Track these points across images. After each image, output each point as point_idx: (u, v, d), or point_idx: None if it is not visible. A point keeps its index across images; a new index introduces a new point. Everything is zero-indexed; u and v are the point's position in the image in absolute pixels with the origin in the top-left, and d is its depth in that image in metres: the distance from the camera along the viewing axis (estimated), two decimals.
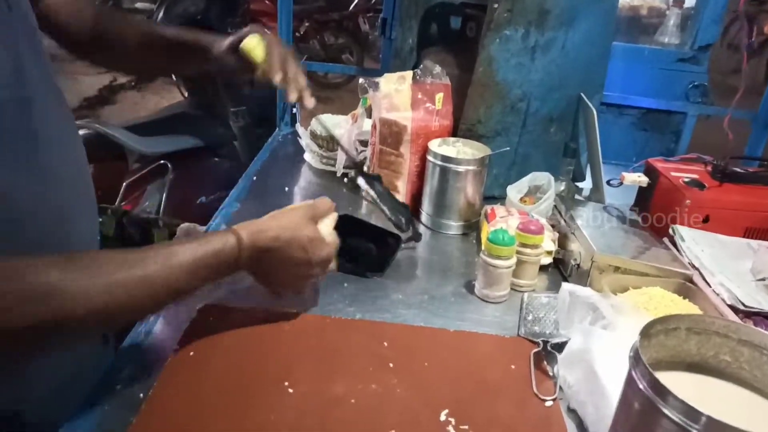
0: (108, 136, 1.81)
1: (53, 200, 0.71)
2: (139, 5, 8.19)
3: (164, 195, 1.81)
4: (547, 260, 1.13)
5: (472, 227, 1.28)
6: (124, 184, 1.84)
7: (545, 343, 0.90)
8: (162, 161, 1.87)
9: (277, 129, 1.76)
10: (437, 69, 1.32)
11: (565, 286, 0.88)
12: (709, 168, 1.24)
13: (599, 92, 1.54)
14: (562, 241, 1.15)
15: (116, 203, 1.77)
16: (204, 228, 1.21)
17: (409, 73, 1.29)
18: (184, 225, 1.23)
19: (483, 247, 1.02)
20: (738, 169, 1.22)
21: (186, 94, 2.90)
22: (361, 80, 1.32)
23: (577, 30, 1.31)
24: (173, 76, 2.85)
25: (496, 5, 1.21)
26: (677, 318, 0.65)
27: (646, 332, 0.61)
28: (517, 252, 1.03)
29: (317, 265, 0.82)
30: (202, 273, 0.70)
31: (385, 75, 1.31)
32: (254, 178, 1.42)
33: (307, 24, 5.56)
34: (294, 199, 1.38)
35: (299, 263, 0.80)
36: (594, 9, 1.32)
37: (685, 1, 2.17)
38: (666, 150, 2.19)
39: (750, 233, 1.16)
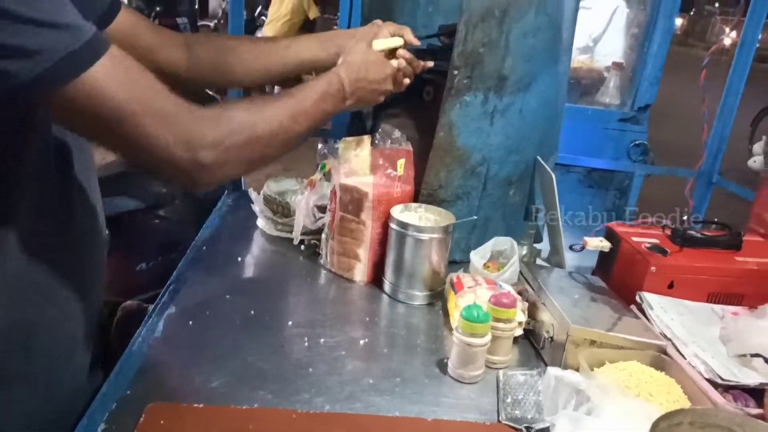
0: None
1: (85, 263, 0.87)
2: None
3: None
4: (519, 332, 1.09)
5: (437, 296, 1.23)
6: None
7: (528, 429, 0.84)
8: None
9: (226, 192, 1.68)
10: (396, 133, 1.29)
11: (550, 370, 0.84)
12: (668, 232, 1.25)
13: (554, 153, 1.56)
14: (532, 311, 1.12)
15: None
16: (149, 307, 1.10)
17: (367, 138, 1.26)
18: (126, 304, 1.12)
19: (456, 325, 0.97)
20: (696, 234, 1.23)
21: None
22: (320, 146, 1.27)
23: (534, 94, 1.32)
24: None
25: (456, 72, 1.21)
26: (680, 413, 0.61)
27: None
28: (491, 327, 0.99)
29: (388, 79, 1.18)
30: (324, 102, 0.99)
31: (344, 139, 1.27)
32: (204, 247, 1.33)
33: None
34: (246, 270, 1.30)
35: (378, 81, 1.15)
36: (548, 74, 1.34)
37: (623, 64, 2.27)
38: (612, 206, 2.25)
39: (713, 298, 1.16)
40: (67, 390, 0.85)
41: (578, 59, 2.48)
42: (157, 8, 2.53)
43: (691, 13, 25.21)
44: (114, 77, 0.66)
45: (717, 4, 26.47)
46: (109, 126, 0.67)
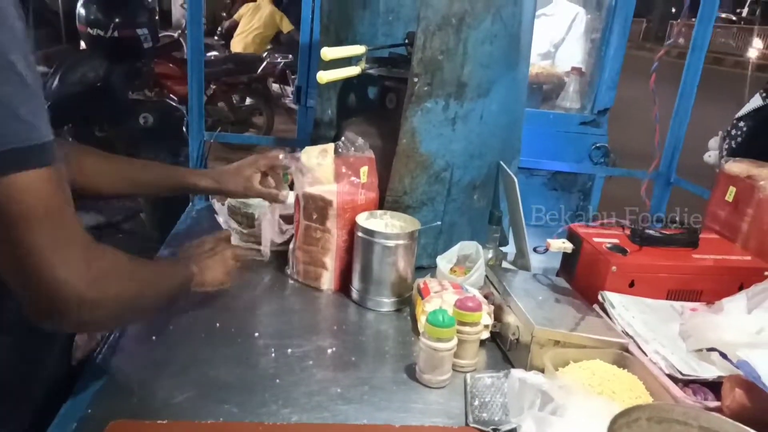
0: None
1: None
2: None
3: None
4: (485, 335, 1.10)
5: (405, 302, 1.23)
6: None
7: (495, 431, 0.85)
8: None
9: (191, 203, 1.66)
10: (360, 141, 1.29)
11: (514, 372, 0.85)
12: (628, 232, 1.28)
13: (516, 158, 1.58)
14: (498, 314, 1.13)
15: None
16: None
17: (330, 146, 1.26)
18: None
19: (423, 330, 0.97)
20: (654, 233, 1.26)
21: None
22: (281, 155, 1.27)
23: (493, 100, 1.34)
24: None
25: (416, 79, 1.22)
26: (638, 409, 0.63)
27: (611, 429, 0.58)
28: (457, 331, 0.99)
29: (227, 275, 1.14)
30: (176, 289, 0.95)
31: (306, 148, 1.26)
32: None
33: (214, 87, 5.47)
34: None
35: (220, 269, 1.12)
36: (507, 80, 1.36)
37: (582, 69, 2.32)
38: (576, 207, 2.29)
39: (672, 295, 1.19)
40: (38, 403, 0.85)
41: (539, 65, 2.53)
42: (116, 20, 2.48)
43: (647, 18, 25.92)
44: (44, 191, 0.64)
45: (674, 9, 27.27)
46: (14, 231, 0.63)
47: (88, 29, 2.52)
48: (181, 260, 1.07)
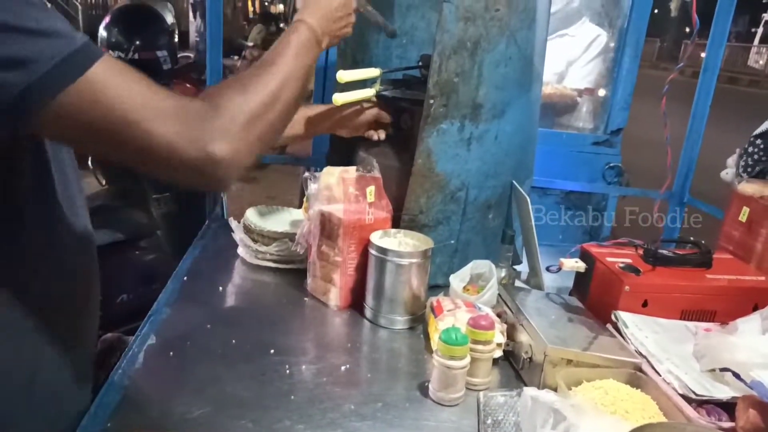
0: None
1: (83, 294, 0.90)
2: None
3: None
4: (498, 353, 1.11)
5: (418, 320, 1.24)
6: None
7: None
8: None
9: (207, 221, 1.69)
10: (374, 162, 1.31)
11: (527, 391, 0.85)
12: (641, 252, 1.28)
13: (530, 177, 1.59)
14: (511, 332, 1.14)
15: None
16: (129, 339, 1.10)
17: (352, 168, 1.28)
18: (107, 336, 1.12)
19: (436, 348, 0.98)
20: (667, 253, 1.26)
21: (104, 182, 2.77)
22: (305, 174, 1.30)
23: (508, 121, 1.36)
24: (89, 164, 2.72)
25: (432, 101, 1.24)
26: (650, 427, 0.63)
27: None
28: (470, 349, 1.00)
29: (349, 5, 1.14)
30: (303, 54, 0.94)
31: (327, 168, 1.29)
32: (184, 278, 1.33)
33: None
34: (228, 299, 1.30)
35: (342, 14, 1.11)
36: (521, 101, 1.38)
37: (596, 90, 2.34)
38: (590, 227, 2.29)
39: (686, 315, 1.19)
40: (72, 423, 0.86)
41: (552, 85, 2.55)
42: (137, 42, 2.55)
43: (661, 38, 25.94)
44: (112, 80, 0.65)
45: (687, 29, 27.27)
46: (112, 131, 0.65)
47: (110, 51, 2.59)
48: (294, 23, 1.00)
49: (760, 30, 23.90)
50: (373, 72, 1.33)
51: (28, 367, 0.80)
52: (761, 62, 21.48)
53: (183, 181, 0.74)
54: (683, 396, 0.94)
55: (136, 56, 2.51)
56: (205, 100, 0.74)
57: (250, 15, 16.46)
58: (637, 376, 0.98)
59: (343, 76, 1.26)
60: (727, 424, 0.88)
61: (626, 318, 1.14)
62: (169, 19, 2.80)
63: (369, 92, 1.34)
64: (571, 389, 0.94)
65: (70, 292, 0.87)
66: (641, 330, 1.11)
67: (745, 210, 1.36)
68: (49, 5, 0.66)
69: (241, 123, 0.74)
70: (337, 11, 1.08)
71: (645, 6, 2.12)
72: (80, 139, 0.69)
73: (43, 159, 0.78)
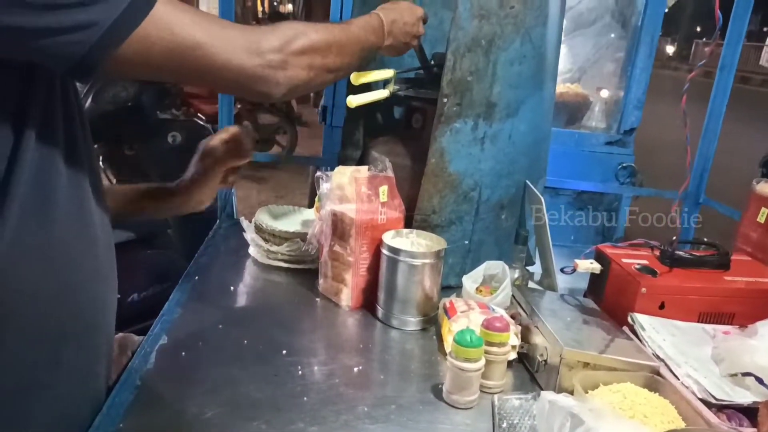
0: None
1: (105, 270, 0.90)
2: None
3: None
4: (512, 355, 1.09)
5: (430, 321, 1.23)
6: None
7: None
8: None
9: (218, 221, 1.69)
10: (387, 161, 1.30)
11: (544, 395, 0.84)
12: (657, 253, 1.26)
13: (543, 176, 1.58)
14: (525, 334, 1.12)
15: None
16: (141, 338, 1.10)
17: (364, 168, 1.27)
18: (118, 336, 1.11)
19: (450, 350, 0.97)
20: (684, 254, 1.24)
21: (114, 182, 2.78)
22: (318, 174, 1.29)
23: (522, 120, 1.34)
24: (100, 162, 2.73)
25: (445, 99, 1.23)
26: None
27: None
28: (484, 351, 0.99)
29: (419, 21, 1.22)
30: (369, 32, 1.07)
31: (339, 168, 1.28)
32: (196, 277, 1.33)
33: (239, 106, 5.56)
34: (239, 299, 1.30)
35: (411, 23, 1.19)
36: (535, 100, 1.37)
37: (606, 91, 2.32)
38: (603, 227, 2.27)
39: (704, 318, 1.17)
40: (88, 402, 0.87)
41: (565, 84, 2.53)
42: None
43: (672, 38, 25.79)
44: (176, 11, 0.72)
45: (699, 28, 27.10)
46: (184, 55, 0.73)
47: None
48: (361, 16, 1.12)
49: None
50: (387, 73, 1.32)
51: (46, 363, 0.80)
52: None
53: (241, 89, 0.84)
54: (703, 400, 0.92)
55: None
56: (273, 24, 0.86)
57: (259, 15, 16.51)
58: (655, 380, 0.96)
59: (357, 77, 1.25)
60: (749, 430, 0.86)
61: (643, 320, 1.12)
62: None
63: (383, 93, 1.33)
64: (587, 393, 0.93)
65: (93, 289, 0.86)
66: (659, 333, 1.09)
67: (764, 211, 1.34)
68: None
69: (298, 46, 0.85)
70: (405, 24, 1.17)
71: (659, 5, 2.09)
72: (155, 68, 0.75)
73: (77, 154, 0.80)
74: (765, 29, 23.92)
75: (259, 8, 17.31)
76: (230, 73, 0.78)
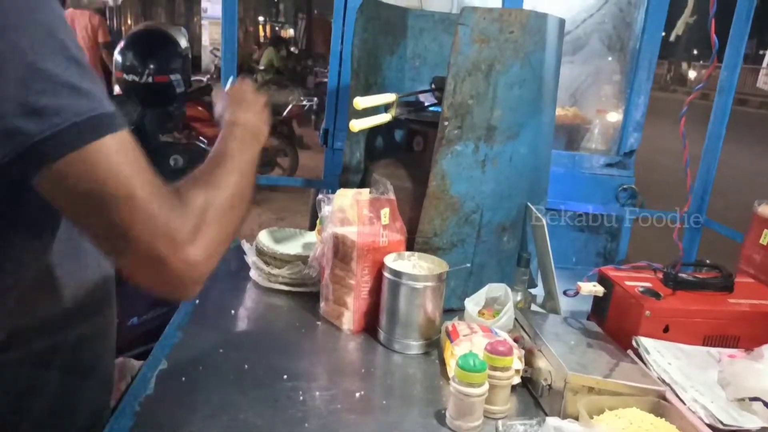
0: None
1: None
2: None
3: None
4: (516, 380, 1.08)
5: (433, 345, 1.22)
6: None
7: None
8: None
9: None
10: (387, 184, 1.30)
11: (550, 421, 0.83)
12: (660, 275, 1.26)
13: (544, 199, 1.58)
14: (529, 358, 1.11)
15: None
16: (140, 363, 1.08)
17: (365, 191, 1.27)
18: (118, 360, 1.10)
19: (453, 374, 0.96)
20: (687, 276, 1.24)
21: None
22: (319, 196, 1.29)
23: (522, 142, 1.35)
24: None
25: (446, 122, 1.23)
26: None
27: None
28: (488, 376, 0.98)
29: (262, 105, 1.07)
30: (247, 150, 0.92)
31: (341, 190, 1.28)
32: (196, 301, 1.32)
33: None
34: (240, 323, 1.29)
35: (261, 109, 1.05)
36: (535, 123, 1.38)
37: (615, 114, 2.33)
38: (604, 249, 2.26)
39: (709, 341, 1.16)
40: (85, 406, 0.87)
41: (564, 107, 2.54)
42: (151, 66, 2.58)
43: (669, 60, 26.08)
44: (122, 156, 0.64)
45: (695, 51, 27.41)
46: (103, 206, 0.63)
47: (124, 75, 2.62)
48: (225, 134, 0.95)
49: None
50: (389, 97, 1.33)
51: (47, 390, 0.80)
52: None
53: (147, 279, 0.68)
54: (710, 426, 0.91)
55: (150, 80, 2.53)
56: (177, 196, 0.70)
57: (261, 39, 16.71)
58: (661, 405, 0.95)
59: (360, 102, 1.26)
60: None
61: (647, 344, 1.11)
62: (183, 43, 2.81)
63: (386, 117, 1.34)
64: (592, 418, 0.91)
65: (91, 314, 0.87)
66: (663, 356, 1.08)
67: (766, 232, 1.34)
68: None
69: (213, 219, 0.71)
70: (256, 106, 1.05)
71: (657, 29, 2.12)
72: (70, 203, 0.66)
73: None
74: (761, 52, 24.18)
75: (261, 33, 17.53)
76: (140, 255, 0.65)
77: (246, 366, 1.09)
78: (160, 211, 0.65)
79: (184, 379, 1.03)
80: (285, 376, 1.06)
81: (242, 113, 1.00)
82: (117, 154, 0.63)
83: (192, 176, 0.77)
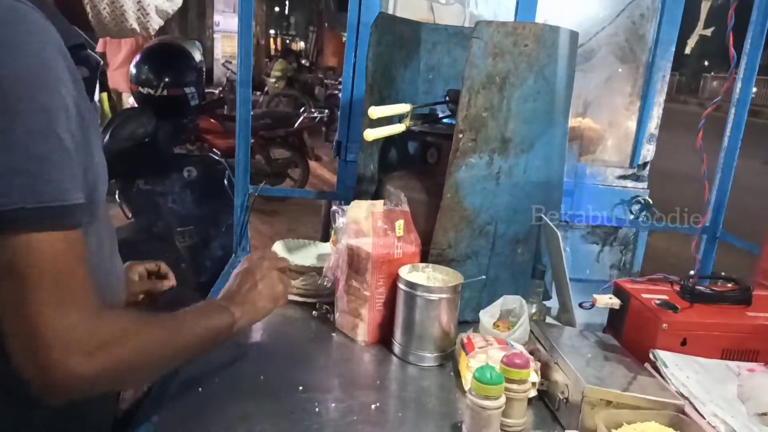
0: None
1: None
2: None
3: None
4: (532, 393, 1.07)
5: (448, 357, 1.21)
6: None
7: None
8: None
9: (234, 255, 1.69)
10: (402, 196, 1.31)
11: None
12: (677, 288, 1.25)
13: (558, 210, 1.57)
14: (545, 371, 1.10)
15: None
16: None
17: (379, 202, 1.28)
18: None
19: (469, 387, 0.96)
20: (704, 289, 1.23)
21: (130, 215, 2.81)
22: (333, 208, 1.30)
23: (536, 155, 1.35)
24: (116, 197, 2.77)
25: (461, 135, 1.24)
26: None
27: None
28: (504, 389, 0.97)
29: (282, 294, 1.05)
30: (208, 340, 0.88)
31: (355, 202, 1.29)
32: None
33: (252, 140, 5.63)
34: (255, 335, 1.29)
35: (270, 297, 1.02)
36: (549, 135, 1.38)
37: (622, 126, 2.33)
38: (618, 262, 2.25)
39: (727, 354, 1.15)
40: (90, 417, 0.88)
41: (577, 119, 2.54)
42: (166, 79, 2.62)
43: (680, 72, 26.01)
44: (60, 254, 0.66)
45: (706, 62, 27.30)
46: (20, 289, 0.64)
47: (139, 88, 2.66)
48: (219, 304, 0.96)
49: None
50: (403, 108, 1.34)
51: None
52: None
53: (28, 366, 0.66)
54: None
55: (165, 93, 2.57)
56: (104, 315, 0.71)
57: (272, 52, 16.86)
58: (680, 419, 0.93)
59: (375, 112, 1.27)
60: None
61: (665, 357, 1.10)
62: (197, 56, 2.85)
63: (399, 127, 1.35)
64: None
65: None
66: (682, 370, 1.07)
67: None
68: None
69: (121, 350, 0.71)
70: (267, 289, 1.01)
71: (669, 41, 2.12)
72: None
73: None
74: None
75: (272, 46, 17.69)
76: (30, 344, 0.65)
77: (261, 378, 1.09)
78: (71, 315, 0.66)
79: (200, 389, 1.03)
80: (300, 388, 1.06)
81: (242, 305, 0.96)
82: (53, 250, 0.65)
83: (139, 311, 0.82)
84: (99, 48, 7.50)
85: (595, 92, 2.47)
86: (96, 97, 0.91)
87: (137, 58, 2.68)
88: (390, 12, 2.02)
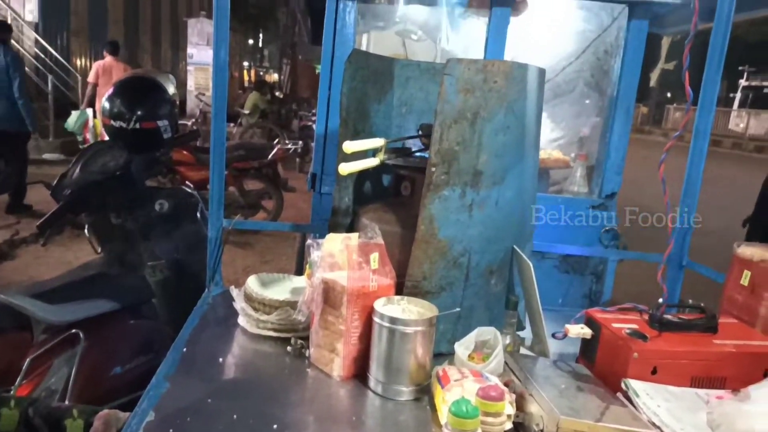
0: (11, 306, 1.63)
1: None
2: (46, 156, 8.05)
3: (74, 368, 1.60)
4: (508, 425, 1.07)
5: (424, 391, 1.21)
6: (28, 359, 1.62)
7: None
8: (73, 330, 1.69)
9: (207, 290, 1.67)
10: (376, 228, 1.32)
11: None
12: (646, 317, 1.27)
13: (530, 241, 1.60)
14: (520, 403, 1.11)
15: (17, 381, 1.55)
16: (126, 415, 1.06)
17: (355, 236, 1.29)
18: (103, 413, 1.08)
19: (445, 421, 0.96)
20: (672, 318, 1.26)
21: (99, 249, 2.75)
22: (308, 241, 1.30)
23: (508, 187, 1.38)
24: (86, 231, 2.72)
25: (434, 168, 1.26)
26: None
27: None
28: (480, 422, 0.97)
29: None
30: None
31: (330, 235, 1.29)
32: (184, 349, 1.30)
33: (225, 172, 5.61)
34: (228, 371, 1.27)
35: None
36: (520, 168, 1.41)
37: (587, 155, 2.39)
38: (589, 291, 2.28)
39: (696, 382, 1.17)
40: None
41: (546, 150, 2.60)
42: (138, 113, 2.60)
43: (644, 104, 26.90)
44: None
45: (669, 94, 28.29)
46: None
47: (112, 121, 2.63)
48: None
49: (738, 95, 24.89)
50: (377, 142, 1.36)
51: None
52: (741, 125, 22.20)
53: None
54: None
55: (138, 126, 2.55)
56: None
57: (246, 84, 16.93)
58: None
59: (349, 147, 1.29)
60: None
61: (636, 386, 1.11)
62: (171, 89, 2.85)
63: (374, 161, 1.37)
64: None
65: None
66: (653, 399, 1.09)
67: (747, 273, 1.37)
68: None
69: None
70: None
71: (633, 75, 2.20)
72: None
73: None
74: (731, 95, 25.08)
75: (246, 77, 17.76)
76: None
77: (235, 416, 1.07)
78: None
79: (172, 431, 1.01)
80: (275, 426, 1.05)
81: None
82: None
83: None
84: (91, 79, 7.50)
85: (564, 125, 2.54)
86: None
87: (110, 91, 2.67)
88: (364, 48, 2.06)
